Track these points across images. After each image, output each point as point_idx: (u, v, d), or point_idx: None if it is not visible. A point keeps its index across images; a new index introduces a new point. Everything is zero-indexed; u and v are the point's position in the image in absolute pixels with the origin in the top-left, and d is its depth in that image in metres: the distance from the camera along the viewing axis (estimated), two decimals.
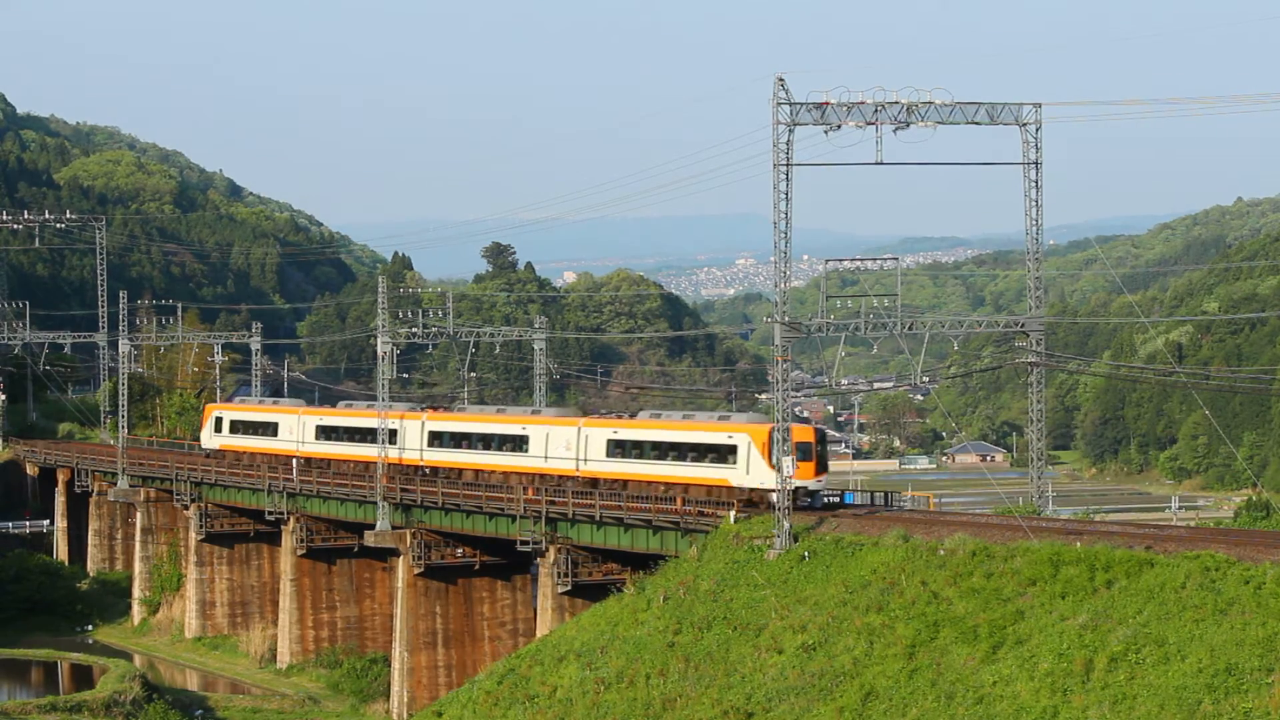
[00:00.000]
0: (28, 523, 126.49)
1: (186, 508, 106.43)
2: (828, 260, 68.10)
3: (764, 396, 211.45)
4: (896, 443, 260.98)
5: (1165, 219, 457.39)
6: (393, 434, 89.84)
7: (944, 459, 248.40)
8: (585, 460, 77.19)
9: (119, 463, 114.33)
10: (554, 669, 60.61)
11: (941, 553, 54.37)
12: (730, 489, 69.01)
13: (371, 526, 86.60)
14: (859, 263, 68.82)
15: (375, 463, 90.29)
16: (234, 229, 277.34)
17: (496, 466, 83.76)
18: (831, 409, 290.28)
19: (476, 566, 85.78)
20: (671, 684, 55.19)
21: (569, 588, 75.18)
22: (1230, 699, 39.76)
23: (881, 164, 62.76)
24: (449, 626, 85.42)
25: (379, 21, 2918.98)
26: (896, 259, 69.32)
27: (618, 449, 75.60)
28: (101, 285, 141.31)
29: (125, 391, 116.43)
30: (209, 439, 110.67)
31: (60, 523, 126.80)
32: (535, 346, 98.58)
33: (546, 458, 79.63)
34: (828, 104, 61.47)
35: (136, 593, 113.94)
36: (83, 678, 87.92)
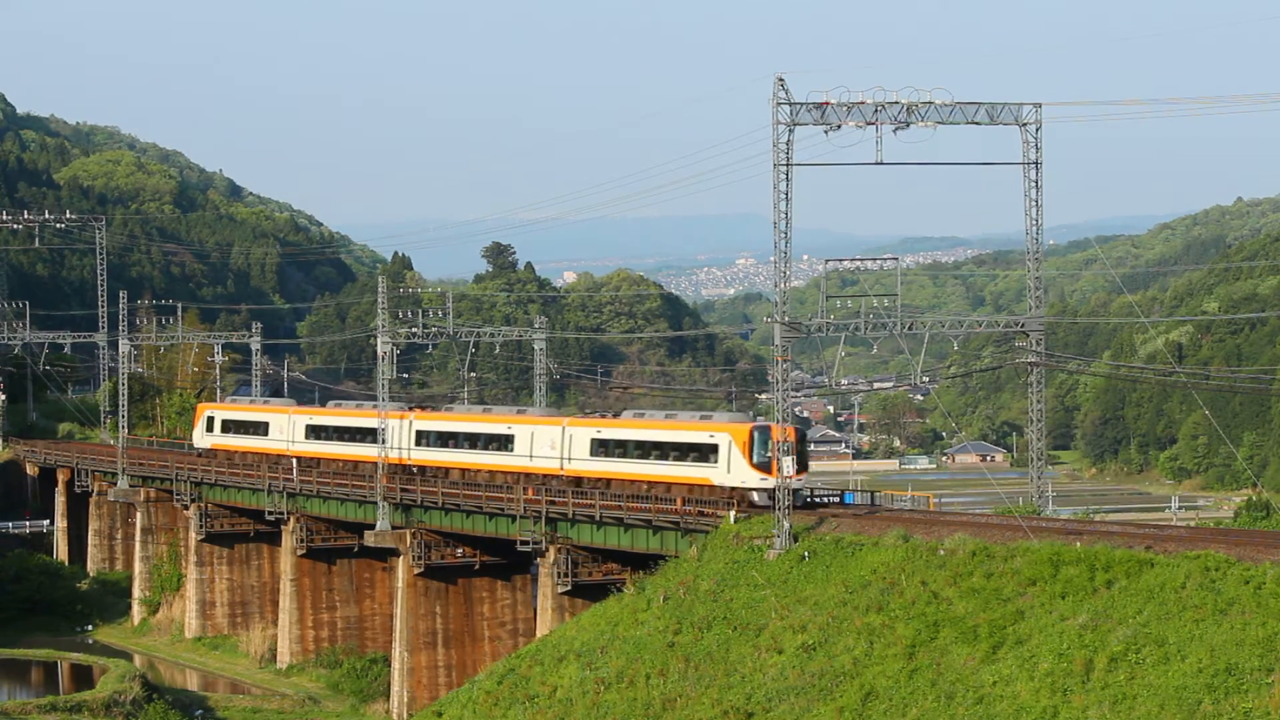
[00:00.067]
0: (28, 523, 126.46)
1: (186, 508, 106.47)
2: (828, 260, 68.14)
3: (764, 396, 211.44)
4: (896, 443, 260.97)
5: (1165, 219, 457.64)
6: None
7: (944, 459, 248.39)
8: (569, 459, 77.97)
9: (119, 463, 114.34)
10: (554, 669, 60.62)
11: (941, 553, 54.38)
12: (712, 488, 69.52)
13: (371, 526, 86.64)
14: (859, 263, 68.83)
15: (363, 461, 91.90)
16: (234, 229, 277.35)
17: (482, 465, 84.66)
18: (831, 409, 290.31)
19: (476, 566, 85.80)
20: (671, 684, 55.20)
21: (569, 588, 75.21)
22: (1230, 699, 39.76)
23: (881, 164, 62.85)
24: (449, 626, 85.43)
25: (379, 21, 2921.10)
26: (896, 259, 69.37)
27: (601, 448, 76.39)
28: (101, 285, 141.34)
29: (125, 391, 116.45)
30: (200, 438, 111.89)
31: (60, 523, 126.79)
32: (535, 346, 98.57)
33: (531, 457, 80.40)
34: (828, 104, 61.49)
35: (136, 593, 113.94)
36: (83, 678, 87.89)
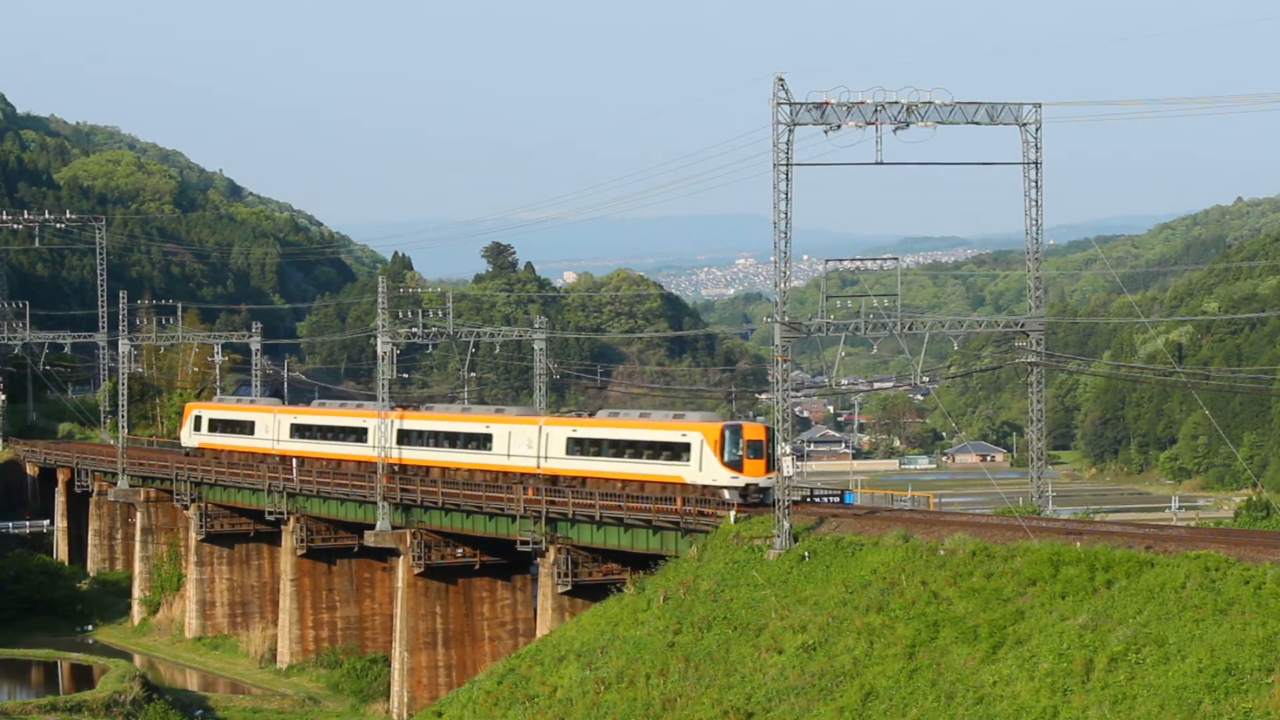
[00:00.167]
0: (28, 523, 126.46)
1: (186, 508, 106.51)
2: (828, 260, 68.18)
3: (764, 396, 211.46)
4: (896, 443, 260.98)
5: (1165, 219, 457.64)
6: (363, 432, 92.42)
7: (944, 459, 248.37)
8: (546, 458, 79.22)
9: (119, 463, 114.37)
10: (554, 669, 60.62)
11: (941, 553, 54.38)
12: (684, 486, 70.53)
13: (371, 526, 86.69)
14: (859, 263, 68.88)
15: (347, 460, 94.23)
16: (234, 229, 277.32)
17: (462, 464, 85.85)
18: (831, 409, 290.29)
19: (476, 566, 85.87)
20: (671, 684, 55.19)
21: (569, 588, 75.28)
22: (1230, 699, 39.75)
23: (881, 164, 62.82)
24: (449, 626, 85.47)
25: (379, 21, 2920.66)
26: (896, 259, 69.40)
27: (577, 447, 77.67)
28: (101, 285, 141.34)
29: (125, 391, 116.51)
30: (188, 437, 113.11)
31: (60, 523, 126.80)
32: (535, 346, 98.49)
33: (509, 455, 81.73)
34: (828, 104, 61.46)
35: (136, 593, 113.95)
36: (83, 678, 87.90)
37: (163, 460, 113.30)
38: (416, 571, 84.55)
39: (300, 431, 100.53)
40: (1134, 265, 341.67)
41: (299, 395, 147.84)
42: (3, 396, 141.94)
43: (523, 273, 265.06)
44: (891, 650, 49.71)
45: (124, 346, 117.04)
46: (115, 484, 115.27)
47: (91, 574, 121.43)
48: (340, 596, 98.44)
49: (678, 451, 71.48)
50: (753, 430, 70.53)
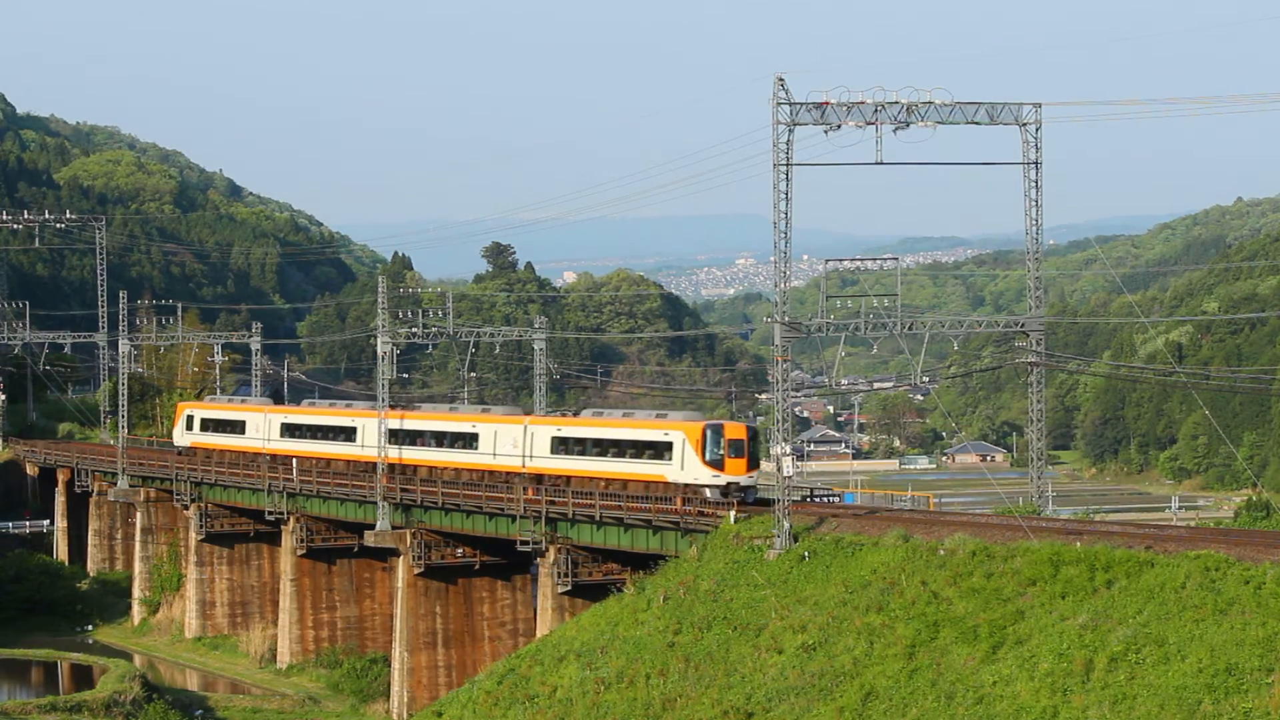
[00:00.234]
0: (28, 523, 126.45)
1: (186, 508, 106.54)
2: (828, 260, 68.26)
3: (764, 396, 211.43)
4: (896, 443, 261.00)
5: (1165, 219, 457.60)
6: (352, 432, 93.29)
7: (944, 459, 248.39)
8: (530, 457, 79.99)
9: (119, 463, 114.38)
10: (554, 669, 60.62)
11: (941, 553, 54.38)
12: (666, 484, 71.05)
13: (371, 526, 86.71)
14: (859, 263, 68.95)
15: (336, 459, 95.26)
16: (234, 229, 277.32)
17: (448, 463, 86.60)
18: (831, 409, 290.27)
19: (476, 566, 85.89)
20: (671, 684, 55.20)
21: (569, 588, 75.31)
22: (1230, 699, 39.76)
23: (881, 164, 62.86)
24: (449, 626, 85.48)
25: (379, 21, 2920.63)
26: (896, 259, 69.47)
27: (561, 446, 78.47)
28: (101, 285, 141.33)
29: (125, 391, 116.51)
30: (180, 437, 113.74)
31: (60, 523, 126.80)
32: (535, 346, 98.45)
33: (495, 454, 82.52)
34: (828, 104, 61.47)
35: (136, 593, 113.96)
36: (83, 678, 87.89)
37: (163, 460, 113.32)
38: (416, 571, 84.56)
39: (290, 431, 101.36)
40: (1134, 265, 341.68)
41: (299, 395, 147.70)
42: (3, 396, 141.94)
43: (523, 273, 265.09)
44: (891, 650, 49.72)
45: (124, 346, 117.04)
46: (115, 484, 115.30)
47: (91, 574, 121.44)
48: (340, 596, 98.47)
49: (660, 450, 72.13)
50: (734, 429, 71.14)
